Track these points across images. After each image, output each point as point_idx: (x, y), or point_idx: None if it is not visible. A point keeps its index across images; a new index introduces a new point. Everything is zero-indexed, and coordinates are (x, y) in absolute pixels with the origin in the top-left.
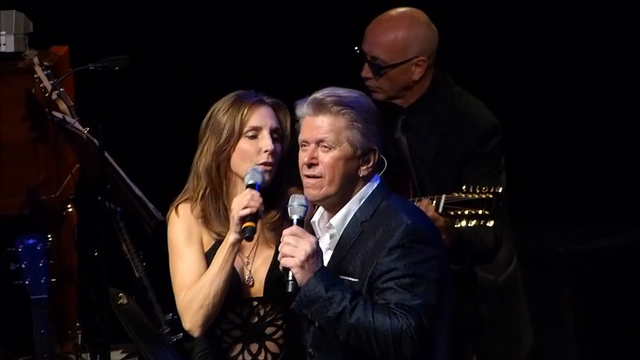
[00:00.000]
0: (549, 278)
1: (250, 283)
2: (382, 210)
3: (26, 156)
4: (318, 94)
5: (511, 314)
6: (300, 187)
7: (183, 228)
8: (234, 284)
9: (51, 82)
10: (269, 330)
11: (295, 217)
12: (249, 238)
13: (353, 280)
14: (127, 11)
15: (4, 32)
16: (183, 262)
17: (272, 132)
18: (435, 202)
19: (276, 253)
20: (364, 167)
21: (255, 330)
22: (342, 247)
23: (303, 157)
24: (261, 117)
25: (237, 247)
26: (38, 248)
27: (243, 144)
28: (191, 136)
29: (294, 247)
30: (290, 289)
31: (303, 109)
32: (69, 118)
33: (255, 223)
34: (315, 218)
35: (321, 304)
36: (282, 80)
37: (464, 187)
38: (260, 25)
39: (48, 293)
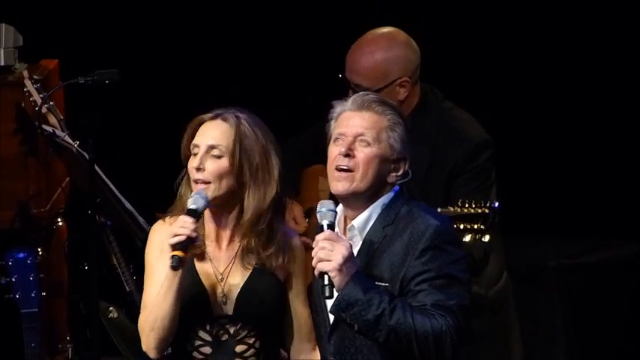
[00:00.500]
0: (539, 292)
1: (222, 301)
2: (404, 214)
3: (16, 170)
4: (362, 94)
5: (501, 328)
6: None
7: (156, 245)
8: (205, 301)
9: (41, 95)
10: (239, 348)
11: (325, 222)
12: (175, 268)
13: (383, 284)
14: (117, 25)
15: None
16: (149, 280)
17: (209, 149)
18: None
19: (252, 274)
20: (394, 174)
21: (225, 348)
22: (366, 252)
23: (339, 147)
24: (201, 134)
25: (178, 274)
26: (28, 262)
27: (189, 161)
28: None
29: (330, 252)
30: (327, 294)
31: (344, 105)
32: (59, 132)
33: (185, 251)
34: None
35: (360, 306)
36: (273, 95)
37: (459, 202)
38: (251, 39)
39: (38, 307)
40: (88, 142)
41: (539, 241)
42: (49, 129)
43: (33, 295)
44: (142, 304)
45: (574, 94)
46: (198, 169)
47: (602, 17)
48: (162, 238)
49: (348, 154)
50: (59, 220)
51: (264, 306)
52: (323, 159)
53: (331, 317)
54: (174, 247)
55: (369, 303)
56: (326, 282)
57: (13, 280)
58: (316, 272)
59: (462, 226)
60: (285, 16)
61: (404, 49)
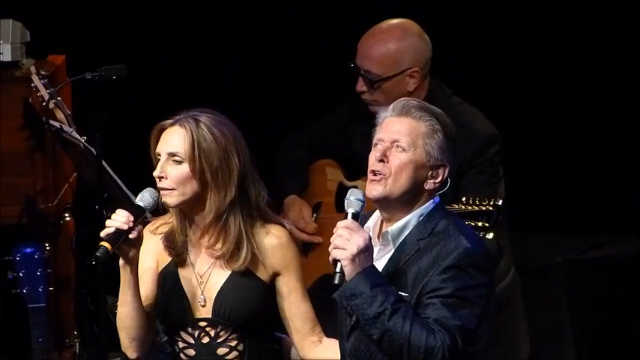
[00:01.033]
0: (547, 288)
1: (202, 304)
2: (440, 230)
3: (23, 165)
4: (404, 99)
5: (509, 324)
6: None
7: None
8: (186, 304)
9: (48, 91)
10: (221, 350)
11: (351, 211)
12: (97, 258)
13: (404, 294)
14: (124, 20)
15: (1, 41)
16: None
17: (169, 156)
18: None
19: (230, 277)
20: (432, 180)
21: (207, 350)
22: (395, 261)
23: (375, 153)
24: (161, 142)
25: (128, 269)
26: (36, 257)
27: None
28: None
29: (346, 240)
30: (336, 281)
31: (387, 112)
32: (66, 127)
33: (112, 243)
34: (370, 224)
35: (363, 300)
36: (280, 89)
37: (463, 199)
38: (258, 34)
39: (46, 302)
40: (96, 138)
41: (547, 236)
42: (57, 124)
43: (40, 290)
44: None
45: (582, 90)
46: (161, 178)
47: (606, 11)
48: (145, 240)
49: (382, 159)
50: (66, 215)
51: (242, 308)
52: (330, 153)
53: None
54: (104, 238)
55: (373, 299)
56: (338, 269)
57: (21, 275)
58: (330, 258)
59: (466, 224)
60: (290, 12)
61: (417, 40)
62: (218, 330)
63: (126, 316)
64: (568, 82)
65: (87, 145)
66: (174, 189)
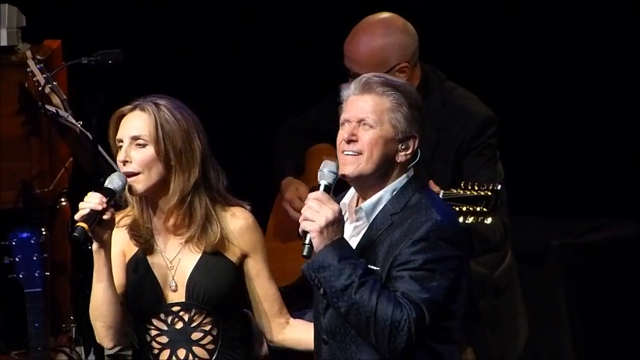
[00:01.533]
0: (543, 272)
1: (173, 289)
2: (413, 203)
3: (19, 150)
4: (365, 75)
5: (507, 309)
6: None
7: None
8: (158, 290)
9: (44, 75)
10: (195, 335)
11: (323, 183)
12: (76, 238)
13: (375, 267)
14: (120, 5)
15: None
16: None
17: (132, 140)
18: None
19: (202, 258)
20: (403, 153)
21: (181, 335)
22: (369, 236)
23: (343, 133)
24: (122, 127)
25: (102, 253)
26: (32, 242)
27: (117, 156)
28: None
29: (315, 212)
30: (305, 253)
31: (349, 89)
32: (62, 112)
33: (89, 224)
34: (346, 200)
35: (331, 272)
36: (276, 74)
37: (462, 184)
38: (256, 19)
39: (42, 287)
40: (92, 123)
41: (543, 220)
42: (53, 109)
43: (36, 274)
44: None
45: (579, 74)
46: (125, 162)
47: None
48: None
49: (352, 139)
50: (62, 199)
51: (215, 290)
52: (326, 138)
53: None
54: (79, 219)
55: (341, 271)
56: (306, 241)
57: (17, 259)
58: (300, 230)
59: (464, 209)
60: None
61: (400, 35)
62: (192, 314)
63: (101, 304)
64: (565, 65)
65: (83, 129)
66: (139, 173)
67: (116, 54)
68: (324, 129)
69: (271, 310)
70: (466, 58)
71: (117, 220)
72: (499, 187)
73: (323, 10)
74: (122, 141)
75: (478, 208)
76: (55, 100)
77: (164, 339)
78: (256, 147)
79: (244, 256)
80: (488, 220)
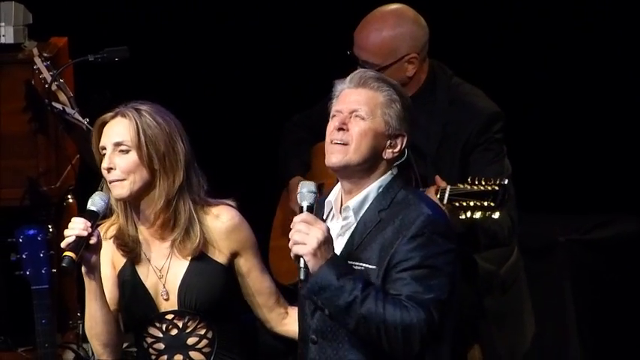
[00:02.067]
0: (550, 268)
1: (165, 297)
2: (400, 200)
3: (26, 147)
4: (360, 71)
5: (513, 305)
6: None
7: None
8: (149, 300)
9: (50, 73)
10: (191, 340)
11: (305, 204)
12: (65, 269)
13: (370, 266)
14: (126, 2)
15: (3, 23)
16: None
17: (115, 146)
18: (439, 193)
19: (190, 264)
20: (390, 150)
21: (176, 341)
22: (358, 234)
23: (334, 122)
24: (104, 135)
25: (92, 276)
26: (39, 239)
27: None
28: (189, 127)
29: (305, 235)
30: (302, 277)
31: (343, 84)
32: (69, 109)
33: (76, 252)
34: (331, 198)
35: (332, 292)
36: (282, 70)
37: (469, 179)
38: (262, 14)
39: (49, 283)
40: None
41: (550, 216)
42: (59, 106)
43: (43, 271)
44: None
45: (586, 70)
46: (110, 169)
47: None
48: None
49: (342, 128)
50: (69, 197)
51: (207, 294)
52: None
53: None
54: (65, 248)
55: (342, 289)
56: (301, 265)
57: (24, 257)
58: (292, 255)
59: (472, 204)
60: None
61: (411, 25)
62: (186, 320)
63: (96, 324)
64: (572, 61)
65: (89, 126)
66: (124, 179)
67: (122, 51)
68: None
69: (268, 302)
70: (473, 54)
71: (103, 232)
72: (506, 181)
73: (329, 5)
74: (105, 148)
75: (485, 203)
76: (62, 97)
77: (160, 346)
78: (261, 143)
79: (234, 256)
80: (496, 215)
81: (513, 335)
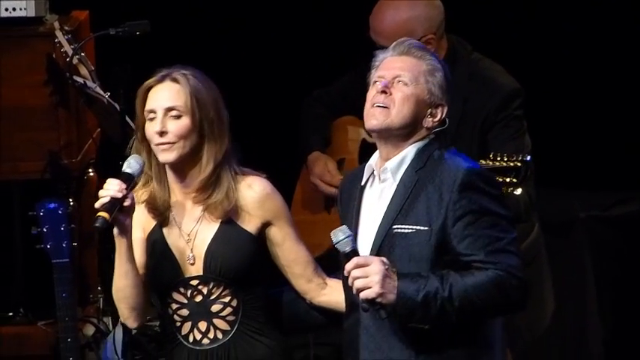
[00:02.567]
0: (570, 244)
1: (191, 262)
2: (436, 158)
3: (47, 120)
4: (403, 39)
5: (534, 281)
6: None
7: None
8: (175, 264)
9: (72, 46)
10: (215, 308)
11: (348, 249)
12: (98, 229)
13: (422, 228)
14: None
15: None
16: None
17: (167, 111)
18: None
19: (219, 230)
20: (430, 119)
21: (200, 308)
22: (399, 196)
23: (377, 86)
24: (154, 99)
25: (124, 238)
26: (59, 212)
27: (146, 127)
28: None
29: (365, 279)
30: (385, 316)
31: (386, 53)
32: (90, 83)
33: (110, 212)
34: (371, 162)
35: (422, 312)
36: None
37: (491, 155)
38: None
39: (69, 257)
40: (119, 93)
41: (570, 192)
42: (80, 80)
43: (64, 245)
44: None
45: (607, 46)
46: (162, 133)
47: None
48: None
49: (385, 91)
50: (90, 170)
51: (233, 262)
52: (352, 111)
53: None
54: (99, 209)
55: (427, 304)
56: (378, 306)
57: (44, 230)
58: (362, 300)
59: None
60: None
61: (425, 7)
62: (210, 287)
63: (125, 286)
64: (592, 38)
65: (110, 100)
66: (174, 143)
67: (144, 25)
68: (348, 101)
69: (306, 271)
70: (492, 30)
71: (137, 195)
72: (529, 157)
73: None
74: (154, 112)
75: (507, 179)
76: (83, 70)
77: (184, 312)
78: (281, 119)
79: (266, 225)
80: (518, 191)
81: (533, 311)
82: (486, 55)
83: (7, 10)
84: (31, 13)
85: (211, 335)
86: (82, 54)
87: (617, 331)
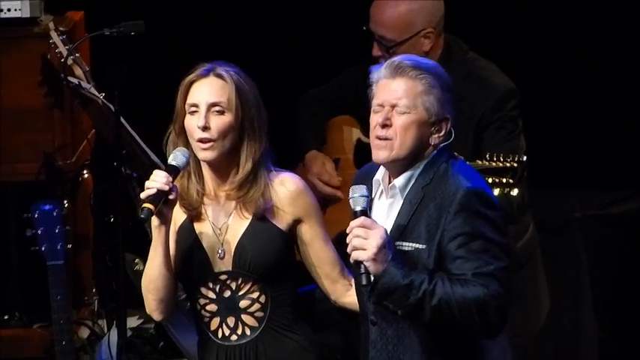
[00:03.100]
0: (566, 244)
1: (221, 256)
2: (441, 173)
3: (42, 121)
4: (396, 58)
5: (529, 281)
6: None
7: None
8: (205, 259)
9: (66, 47)
10: (243, 303)
11: (359, 208)
12: (143, 220)
13: (420, 246)
14: None
15: None
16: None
17: (210, 106)
18: None
19: (250, 225)
20: (436, 135)
21: (229, 303)
22: (405, 213)
23: (377, 118)
24: (197, 93)
25: (163, 230)
26: (54, 214)
27: (186, 121)
28: None
29: (364, 240)
30: (364, 282)
31: (379, 72)
32: (85, 84)
33: (155, 204)
34: (379, 176)
35: (402, 292)
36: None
37: (487, 155)
38: None
39: (64, 259)
40: (114, 94)
41: (566, 192)
42: (75, 81)
43: (59, 247)
44: None
45: (601, 45)
46: (205, 128)
47: None
48: None
49: (386, 124)
50: (85, 172)
51: (262, 257)
52: (347, 110)
53: (372, 276)
54: (145, 200)
55: (410, 287)
56: (362, 270)
57: (39, 232)
58: (351, 260)
59: (490, 180)
60: None
61: (426, 1)
62: (239, 282)
63: (156, 278)
64: (586, 37)
65: (105, 101)
66: (215, 140)
67: (139, 25)
68: (344, 100)
69: (332, 273)
70: (487, 30)
71: None
72: (525, 158)
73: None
74: (197, 106)
75: (504, 180)
76: (78, 71)
77: (213, 307)
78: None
79: (297, 222)
80: (514, 192)
81: (529, 311)
82: (482, 55)
83: (1, 10)
84: (26, 13)
85: (239, 331)
86: (77, 55)
87: (613, 331)
